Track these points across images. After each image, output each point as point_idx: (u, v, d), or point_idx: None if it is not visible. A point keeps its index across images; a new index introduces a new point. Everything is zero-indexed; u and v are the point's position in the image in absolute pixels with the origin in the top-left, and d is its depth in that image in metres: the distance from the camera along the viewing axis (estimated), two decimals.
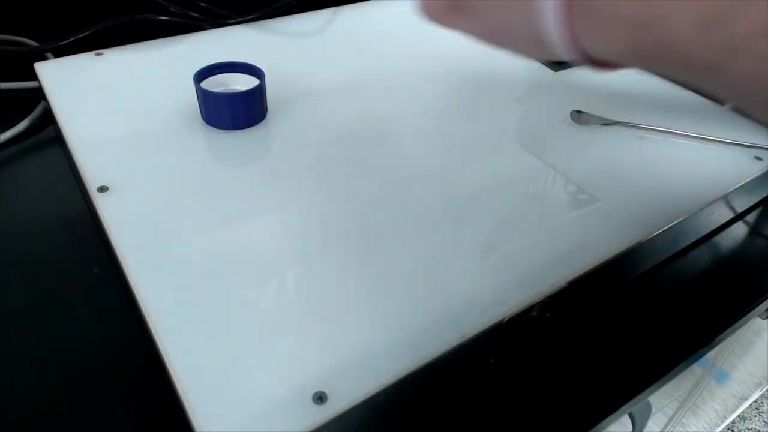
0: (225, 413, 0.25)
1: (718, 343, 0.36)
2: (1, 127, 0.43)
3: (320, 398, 0.25)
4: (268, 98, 0.43)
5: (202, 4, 0.58)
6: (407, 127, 0.43)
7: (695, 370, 0.72)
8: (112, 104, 0.43)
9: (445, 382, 0.30)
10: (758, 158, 0.42)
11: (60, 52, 0.50)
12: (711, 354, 0.66)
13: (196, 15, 0.56)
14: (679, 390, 0.73)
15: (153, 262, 0.31)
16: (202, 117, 0.42)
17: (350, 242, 0.33)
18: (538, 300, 0.30)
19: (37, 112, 0.45)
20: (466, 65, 0.51)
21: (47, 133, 0.45)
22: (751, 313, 0.36)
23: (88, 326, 0.31)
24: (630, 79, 0.50)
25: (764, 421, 1.32)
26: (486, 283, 0.31)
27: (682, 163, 0.41)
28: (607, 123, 0.44)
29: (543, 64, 0.52)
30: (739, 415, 1.27)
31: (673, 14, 0.18)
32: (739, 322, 0.36)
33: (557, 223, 0.35)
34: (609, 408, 0.30)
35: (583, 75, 0.50)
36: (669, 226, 0.35)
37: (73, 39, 0.51)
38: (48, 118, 0.45)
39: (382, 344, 0.27)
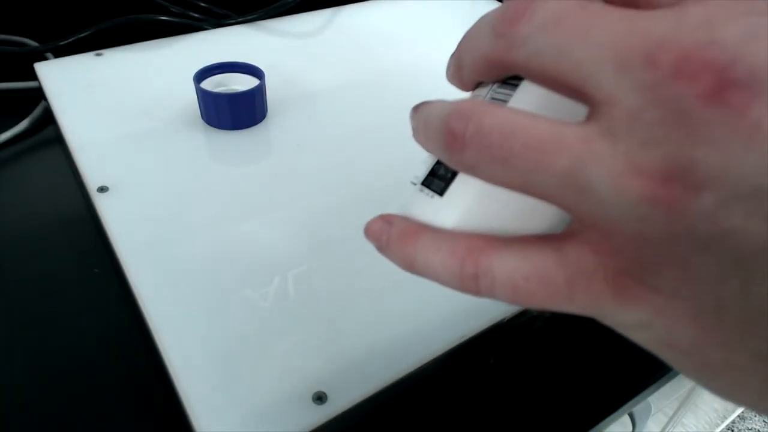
0: (225, 413, 0.25)
1: None
2: (1, 127, 0.43)
3: (320, 398, 0.25)
4: (268, 98, 0.43)
5: (202, 4, 0.58)
6: (408, 127, 0.43)
7: None
8: (112, 104, 0.43)
9: (446, 383, 0.30)
10: None
11: (60, 53, 0.50)
12: None
13: (196, 15, 0.55)
14: (679, 390, 0.73)
15: (153, 262, 0.31)
16: (202, 117, 0.42)
17: (350, 242, 0.33)
18: None
19: (37, 112, 0.45)
20: None
21: (47, 133, 0.45)
22: None
23: (88, 326, 0.31)
24: None
25: (764, 421, 1.32)
26: None
27: None
28: None
29: None
30: (739, 415, 1.27)
31: None
32: None
33: None
34: (609, 408, 0.30)
35: None
36: None
37: (73, 39, 0.51)
38: (48, 118, 0.45)
39: (381, 344, 0.27)
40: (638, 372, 0.31)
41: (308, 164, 0.39)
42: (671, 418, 0.82)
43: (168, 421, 0.27)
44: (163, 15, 0.53)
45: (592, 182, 0.12)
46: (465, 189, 0.16)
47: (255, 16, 0.56)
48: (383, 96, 0.47)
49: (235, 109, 0.40)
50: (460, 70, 0.18)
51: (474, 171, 0.14)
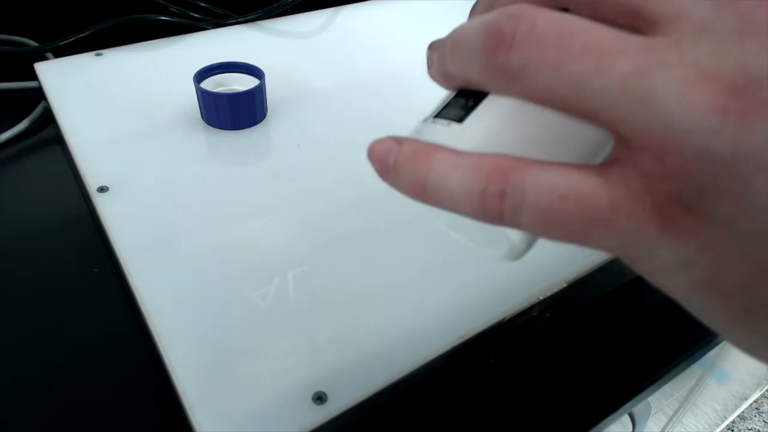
0: (225, 413, 0.25)
1: (718, 343, 0.36)
2: (1, 127, 0.43)
3: (320, 398, 0.25)
4: (268, 98, 0.43)
5: (202, 4, 0.58)
6: (407, 128, 0.43)
7: (695, 370, 0.72)
8: (112, 104, 0.43)
9: (445, 382, 0.30)
10: None
11: (60, 52, 0.50)
12: (711, 354, 0.67)
13: (196, 15, 0.56)
14: (679, 390, 0.73)
15: (153, 261, 0.31)
16: (202, 117, 0.42)
17: (350, 242, 0.33)
18: (538, 299, 0.30)
19: (37, 112, 0.45)
20: None
21: (47, 133, 0.45)
22: None
23: (88, 326, 0.31)
24: None
25: (764, 421, 1.32)
26: (486, 282, 0.31)
27: None
28: None
29: None
30: (739, 415, 1.27)
31: None
32: None
33: None
34: (609, 408, 0.30)
35: None
36: None
37: (73, 39, 0.51)
38: (48, 118, 0.45)
39: (381, 344, 0.27)
40: (638, 372, 0.32)
41: (308, 164, 0.39)
42: (671, 418, 0.82)
43: (168, 421, 0.27)
44: (163, 15, 0.54)
45: (656, 90, 0.11)
46: (489, 113, 0.14)
47: (255, 16, 0.56)
48: (383, 96, 0.47)
49: (235, 109, 0.40)
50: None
51: (518, 78, 0.13)
